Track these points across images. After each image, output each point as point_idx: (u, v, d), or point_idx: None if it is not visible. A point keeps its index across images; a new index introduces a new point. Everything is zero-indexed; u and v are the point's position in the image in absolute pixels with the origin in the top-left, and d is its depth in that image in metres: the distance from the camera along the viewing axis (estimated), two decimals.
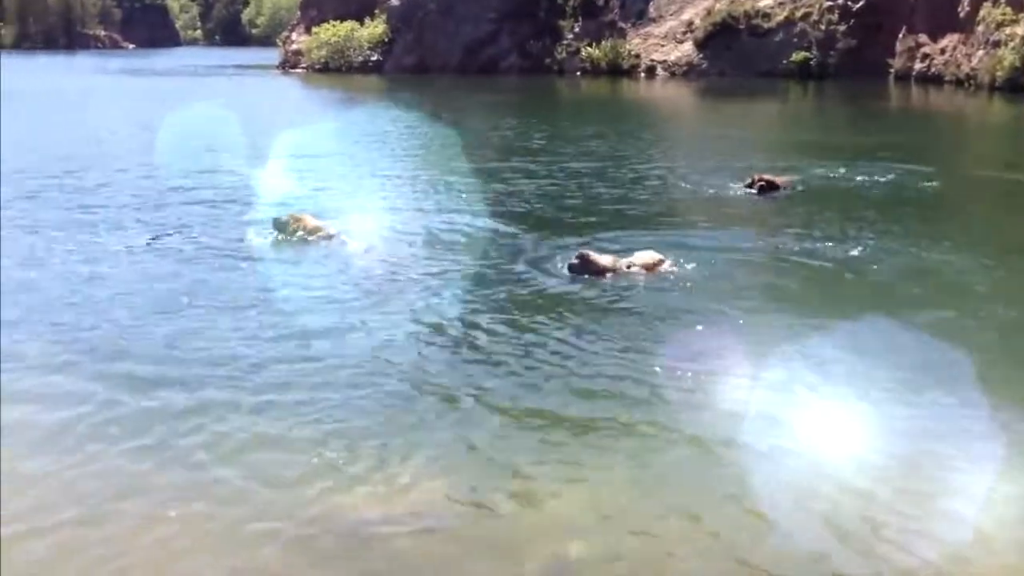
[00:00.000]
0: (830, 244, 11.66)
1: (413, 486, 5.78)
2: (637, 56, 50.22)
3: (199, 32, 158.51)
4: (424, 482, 5.82)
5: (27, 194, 15.62)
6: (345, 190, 16.21)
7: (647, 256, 10.45)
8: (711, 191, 15.62)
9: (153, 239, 12.26)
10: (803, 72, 45.13)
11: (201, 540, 5.26)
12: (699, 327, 8.51)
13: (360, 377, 7.41)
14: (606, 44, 50.45)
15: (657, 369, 7.48)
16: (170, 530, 5.35)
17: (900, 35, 43.27)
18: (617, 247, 11.19)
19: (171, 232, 12.61)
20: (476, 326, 8.65)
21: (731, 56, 47.28)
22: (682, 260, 10.60)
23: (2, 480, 5.82)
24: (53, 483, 5.86)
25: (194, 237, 12.32)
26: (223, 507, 5.55)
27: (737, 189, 15.32)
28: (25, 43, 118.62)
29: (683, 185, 16.67)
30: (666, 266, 10.34)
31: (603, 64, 50.12)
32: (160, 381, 7.33)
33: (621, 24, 51.30)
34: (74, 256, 11.38)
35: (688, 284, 9.91)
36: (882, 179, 16.69)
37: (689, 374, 7.40)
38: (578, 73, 50.37)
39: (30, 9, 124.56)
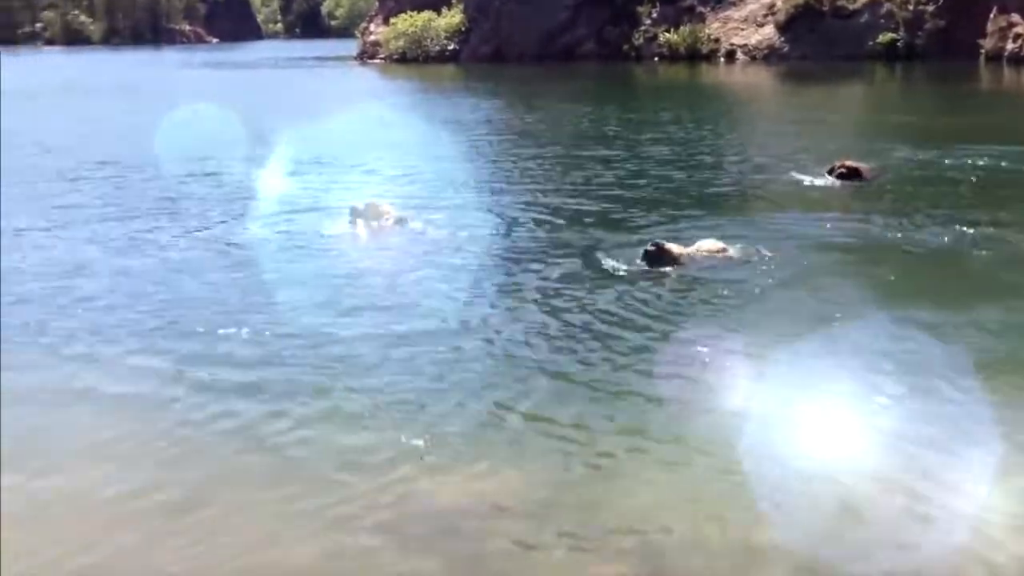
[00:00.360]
0: (915, 232, 11.30)
1: (492, 474, 5.81)
2: (716, 40, 49.47)
3: (280, 25, 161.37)
4: (503, 469, 5.84)
5: (116, 185, 16.09)
6: (422, 178, 16.29)
7: (710, 244, 10.37)
8: (791, 178, 15.26)
9: (231, 228, 12.48)
10: (890, 54, 43.87)
11: (288, 524, 5.32)
12: (761, 320, 8.31)
13: (441, 364, 7.44)
14: (684, 29, 49.76)
15: (723, 364, 7.34)
16: (256, 515, 5.45)
17: (991, 14, 41.77)
18: (692, 234, 11.01)
19: (250, 222, 12.80)
20: (554, 315, 8.61)
21: (814, 39, 46.22)
22: (754, 248, 10.39)
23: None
24: (143, 471, 5.98)
25: (273, 227, 12.49)
26: (308, 493, 5.61)
27: (818, 176, 14.93)
28: (113, 39, 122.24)
29: (761, 172, 16.33)
30: (731, 254, 10.21)
31: (681, 49, 49.45)
32: (249, 369, 7.44)
33: (700, 8, 50.55)
34: (159, 244, 11.65)
35: (757, 274, 9.69)
36: (973, 163, 16.12)
37: (755, 369, 7.21)
38: (656, 59, 49.76)
39: (118, 5, 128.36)
